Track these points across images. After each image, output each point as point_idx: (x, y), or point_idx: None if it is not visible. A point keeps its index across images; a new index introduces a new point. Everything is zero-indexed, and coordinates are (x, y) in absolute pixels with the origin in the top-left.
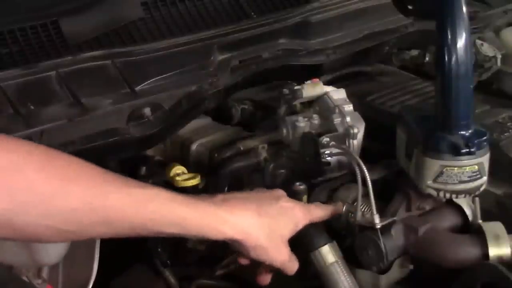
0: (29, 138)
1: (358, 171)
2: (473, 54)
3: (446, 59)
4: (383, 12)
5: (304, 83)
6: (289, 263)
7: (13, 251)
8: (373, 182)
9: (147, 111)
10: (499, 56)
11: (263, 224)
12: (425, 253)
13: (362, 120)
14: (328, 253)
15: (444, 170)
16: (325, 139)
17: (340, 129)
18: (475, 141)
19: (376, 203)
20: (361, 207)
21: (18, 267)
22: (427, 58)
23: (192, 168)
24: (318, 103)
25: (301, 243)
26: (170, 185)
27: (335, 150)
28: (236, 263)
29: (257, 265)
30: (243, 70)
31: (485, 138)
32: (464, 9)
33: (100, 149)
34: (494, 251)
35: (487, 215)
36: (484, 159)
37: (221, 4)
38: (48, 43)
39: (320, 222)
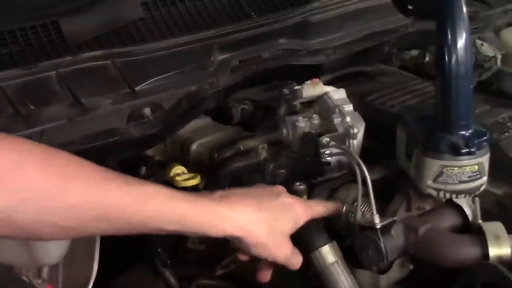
0: (29, 138)
1: (358, 171)
2: (473, 54)
3: (446, 59)
4: (383, 12)
5: (304, 83)
6: (292, 258)
7: (13, 251)
8: (373, 182)
9: (147, 111)
10: (499, 56)
11: (263, 220)
12: (425, 253)
13: (362, 120)
14: (328, 253)
15: (444, 170)
16: (325, 139)
17: (340, 129)
18: (475, 141)
19: (376, 203)
20: (361, 207)
21: (18, 267)
22: (427, 58)
23: (192, 168)
24: (318, 103)
25: (301, 243)
26: (170, 185)
27: (335, 150)
28: (236, 263)
29: (257, 262)
30: (243, 70)
31: (485, 138)
32: (464, 9)
33: (100, 149)
34: (494, 251)
35: (487, 215)
36: (484, 159)
37: (221, 4)
38: (48, 43)
39: (320, 221)
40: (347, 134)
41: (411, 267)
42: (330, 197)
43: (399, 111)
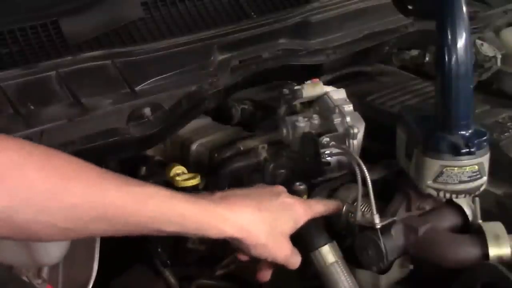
0: (29, 138)
1: (358, 171)
2: (473, 54)
3: (446, 59)
4: (383, 12)
5: (304, 83)
6: (292, 258)
7: (13, 251)
8: (373, 182)
9: (147, 111)
10: (499, 56)
11: (263, 221)
12: (425, 253)
13: (362, 120)
14: (328, 253)
15: (444, 170)
16: (325, 139)
17: (340, 129)
18: (475, 141)
19: (376, 203)
20: (361, 207)
21: (18, 267)
22: (427, 58)
23: (192, 168)
24: (318, 103)
25: (301, 243)
26: (170, 185)
27: (335, 150)
28: (236, 263)
29: (257, 262)
30: (243, 70)
31: (485, 138)
32: (464, 9)
33: (100, 149)
34: (494, 251)
35: (487, 215)
36: (484, 159)
37: (221, 4)
38: (48, 43)
39: (320, 221)
40: (347, 134)
41: (411, 267)
42: (330, 197)
43: (399, 111)
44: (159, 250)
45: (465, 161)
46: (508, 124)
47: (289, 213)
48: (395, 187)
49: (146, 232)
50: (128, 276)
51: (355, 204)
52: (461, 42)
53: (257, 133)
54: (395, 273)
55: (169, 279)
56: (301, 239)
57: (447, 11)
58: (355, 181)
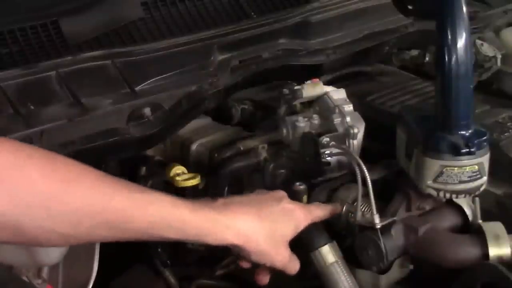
0: (29, 138)
1: (358, 171)
2: (473, 54)
3: (446, 59)
4: (383, 12)
5: (304, 83)
6: (290, 263)
7: (13, 251)
8: (373, 182)
9: (147, 111)
10: (499, 56)
11: (263, 228)
12: (425, 253)
13: (362, 120)
14: (328, 253)
15: (444, 170)
16: (325, 139)
17: (340, 129)
18: (475, 141)
19: (376, 203)
20: (361, 207)
21: (18, 267)
22: (427, 58)
23: (192, 168)
24: (318, 103)
25: (301, 243)
26: (170, 185)
27: (335, 150)
28: (236, 264)
29: (257, 266)
30: (243, 70)
31: (485, 138)
32: (464, 9)
33: (100, 149)
34: (494, 251)
35: (487, 215)
36: (484, 159)
37: (221, 4)
38: (48, 43)
39: (320, 222)
40: (347, 134)
41: (411, 267)
42: (330, 197)
43: (399, 111)
44: (159, 250)
45: (465, 161)
46: (508, 124)
47: (289, 219)
48: (395, 187)
49: (146, 238)
50: (128, 276)
51: (355, 204)
52: (461, 42)
53: (257, 133)
54: (395, 273)
55: (169, 279)
56: (301, 239)
57: (447, 11)
58: (355, 181)
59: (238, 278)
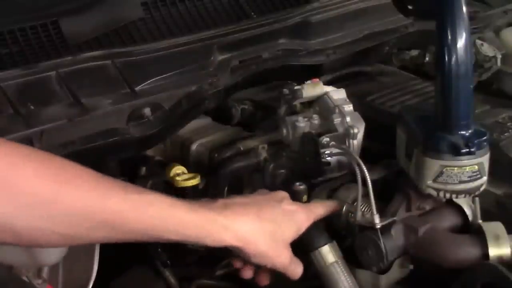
0: (29, 138)
1: (358, 171)
2: (473, 54)
3: (446, 59)
4: (383, 12)
5: (304, 83)
6: (291, 266)
7: (13, 251)
8: (373, 182)
9: (147, 111)
10: (499, 56)
11: (263, 229)
12: (425, 253)
13: (362, 120)
14: (328, 253)
15: (444, 170)
16: (325, 139)
17: (340, 129)
18: (475, 141)
19: (376, 203)
20: (361, 207)
21: (18, 267)
22: (427, 58)
23: (192, 168)
24: (318, 103)
25: (301, 243)
26: (170, 185)
27: (335, 150)
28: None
29: (258, 267)
30: (243, 70)
31: (485, 138)
32: (464, 9)
33: (100, 149)
34: (494, 251)
35: (487, 215)
36: (484, 159)
37: (221, 4)
38: (48, 43)
39: (320, 221)
40: (347, 134)
41: (411, 267)
42: (330, 197)
43: (399, 111)
44: (159, 250)
45: (465, 161)
46: (508, 124)
47: (290, 221)
48: (395, 187)
49: (145, 239)
50: (128, 277)
51: (355, 204)
52: (461, 42)
53: (257, 133)
54: (395, 273)
55: (169, 279)
56: (301, 239)
57: (447, 11)
58: (355, 181)
59: (238, 278)
